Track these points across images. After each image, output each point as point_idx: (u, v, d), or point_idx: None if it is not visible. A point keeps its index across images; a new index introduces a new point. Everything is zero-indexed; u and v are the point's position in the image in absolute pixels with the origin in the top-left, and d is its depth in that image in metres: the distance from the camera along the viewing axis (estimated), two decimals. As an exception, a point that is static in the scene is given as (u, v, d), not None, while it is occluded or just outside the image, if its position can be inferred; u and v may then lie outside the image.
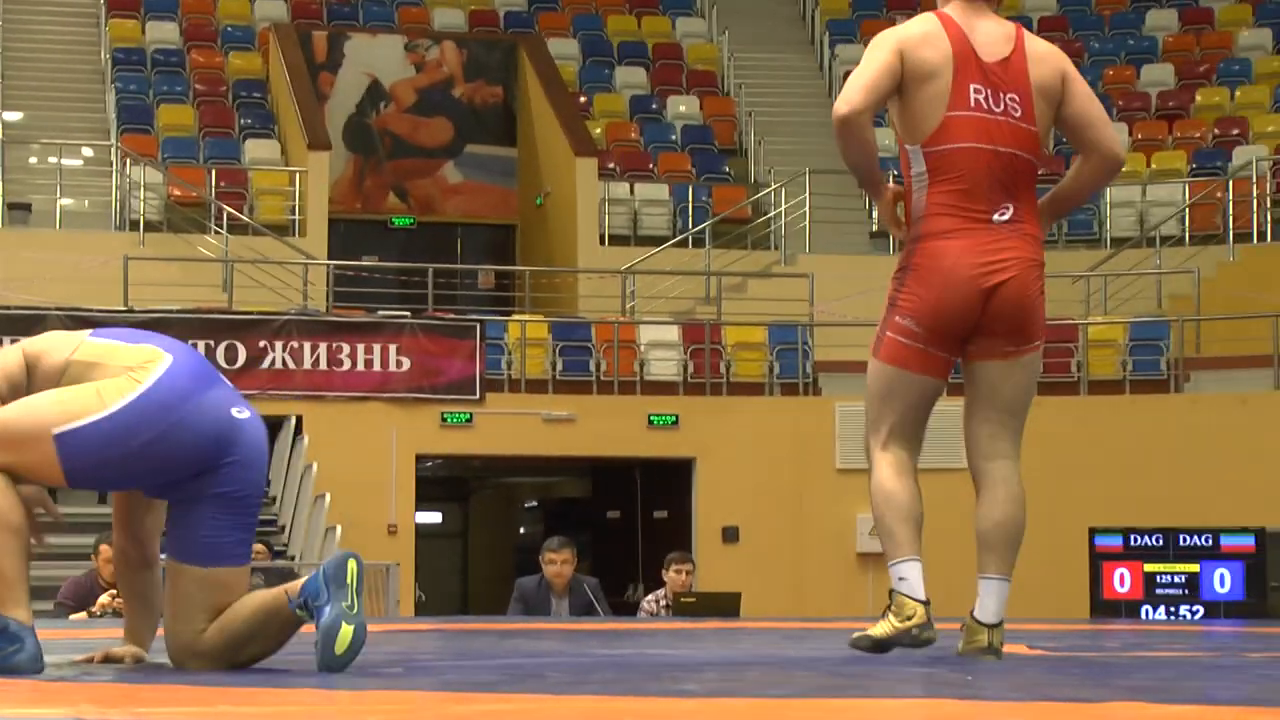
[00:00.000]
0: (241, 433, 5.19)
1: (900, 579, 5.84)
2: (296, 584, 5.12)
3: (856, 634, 5.89)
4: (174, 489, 5.19)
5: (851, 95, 5.78)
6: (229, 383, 5.35)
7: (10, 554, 4.96)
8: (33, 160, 23.41)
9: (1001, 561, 6.03)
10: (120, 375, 5.06)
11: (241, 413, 5.21)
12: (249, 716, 3.79)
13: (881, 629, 5.83)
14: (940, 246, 5.76)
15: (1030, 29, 27.40)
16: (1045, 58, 5.91)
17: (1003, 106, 5.80)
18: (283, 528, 18.48)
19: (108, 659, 5.38)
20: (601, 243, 23.44)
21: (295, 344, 18.79)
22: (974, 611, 5.91)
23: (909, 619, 5.75)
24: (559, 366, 20.01)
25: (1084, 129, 6.00)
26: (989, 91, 5.80)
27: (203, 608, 5.15)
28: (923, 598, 5.82)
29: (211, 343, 18.75)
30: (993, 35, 5.86)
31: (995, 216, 5.79)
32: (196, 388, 5.14)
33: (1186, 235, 22.83)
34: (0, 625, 4.89)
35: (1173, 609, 14.21)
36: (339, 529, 17.82)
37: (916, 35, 5.82)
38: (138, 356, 5.13)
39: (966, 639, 5.85)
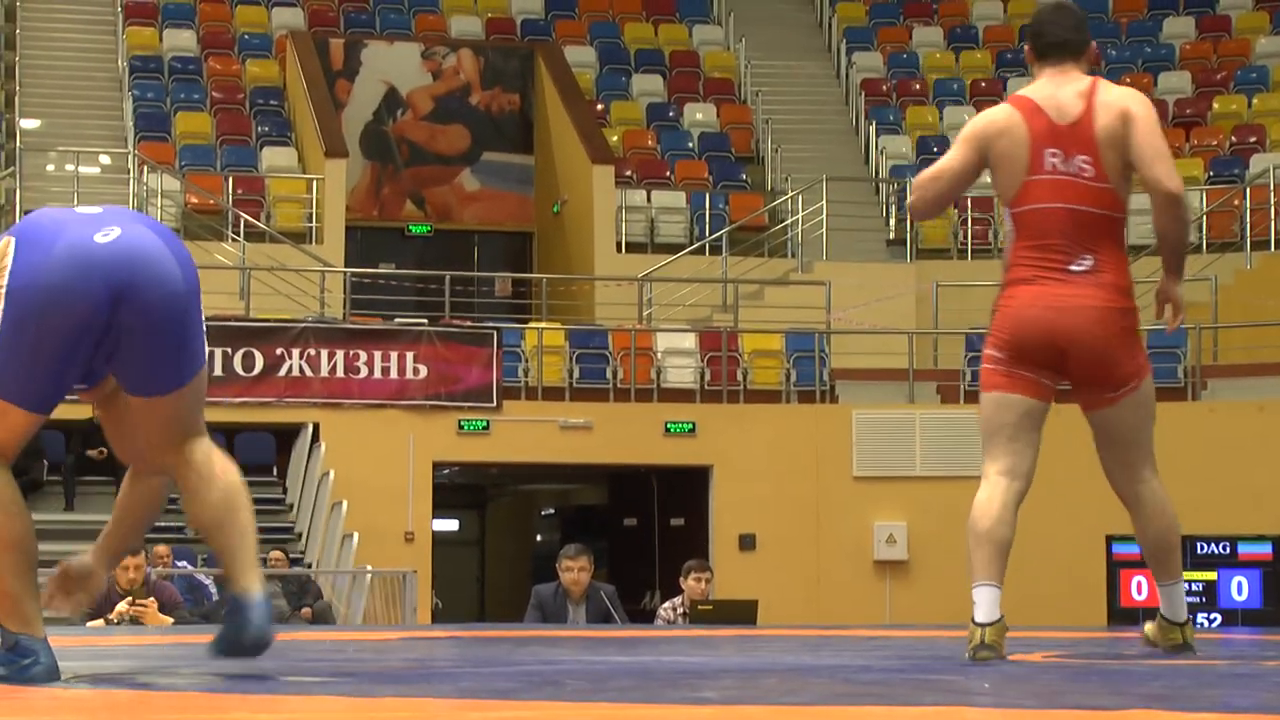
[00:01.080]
0: (114, 261, 4.78)
1: (972, 603, 6.23)
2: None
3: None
4: (98, 352, 4.87)
5: (919, 186, 6.60)
6: (96, 209, 4.95)
7: (11, 572, 4.76)
8: (50, 167, 23.45)
9: (1169, 569, 6.64)
10: None
11: (107, 235, 4.80)
12: (266, 723, 3.79)
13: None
14: (1018, 291, 6.33)
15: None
16: (1111, 105, 6.26)
17: (1075, 168, 6.23)
18: (300, 535, 18.50)
19: (64, 573, 5.23)
20: (618, 250, 23.44)
21: (312, 351, 18.80)
22: (1163, 613, 6.66)
23: (969, 643, 6.11)
24: (576, 374, 20.02)
25: (1141, 169, 6.26)
26: (1063, 154, 6.25)
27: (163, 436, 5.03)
28: (984, 619, 6.16)
29: (228, 350, 18.77)
30: (1067, 98, 6.29)
31: (1072, 267, 6.29)
32: (48, 254, 4.74)
33: (1204, 243, 22.79)
34: (10, 642, 4.77)
35: (1190, 616, 14.19)
36: (356, 536, 17.83)
37: (995, 129, 6.42)
38: None
39: (1163, 637, 6.64)
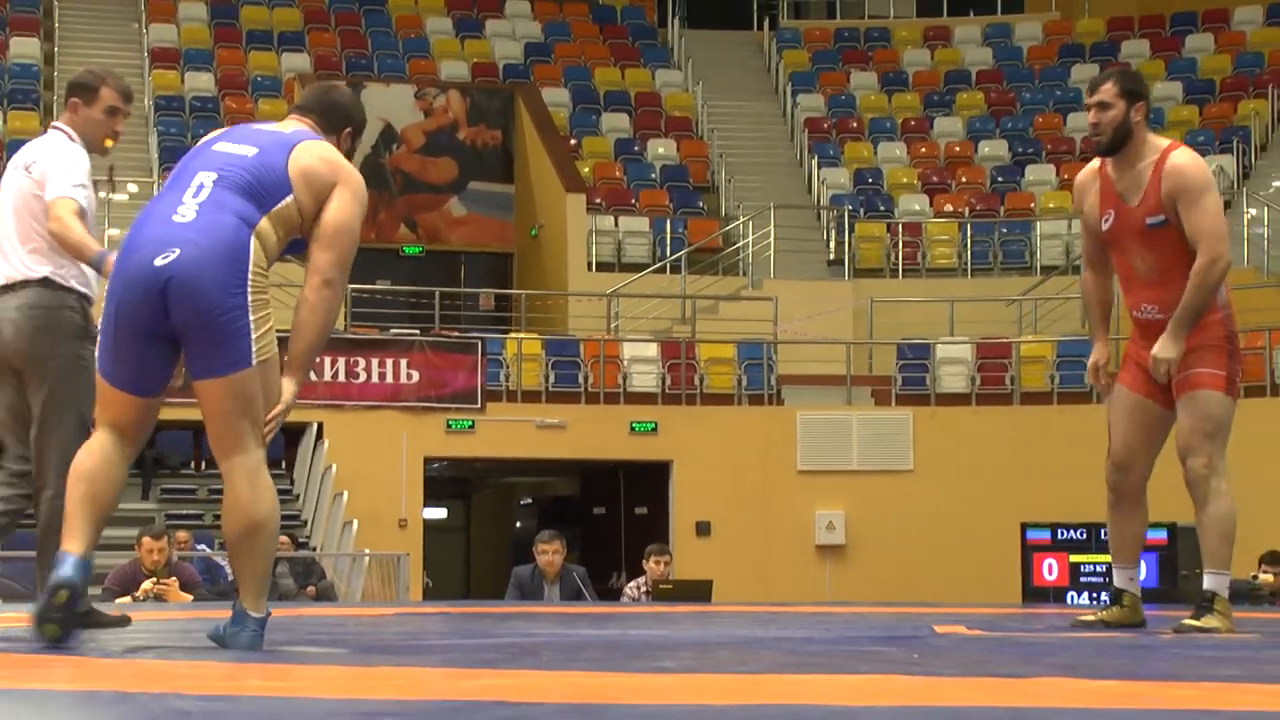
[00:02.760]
0: (165, 282, 4.90)
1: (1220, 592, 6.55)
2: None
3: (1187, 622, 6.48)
4: (172, 347, 5.04)
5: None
6: (169, 223, 4.99)
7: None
8: (84, 195, 23.34)
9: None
10: None
11: (166, 258, 4.92)
12: (274, 690, 3.77)
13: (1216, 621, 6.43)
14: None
15: (969, 82, 27.25)
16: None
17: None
18: (305, 521, 18.45)
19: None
20: (589, 269, 23.43)
21: (316, 358, 18.74)
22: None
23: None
24: (551, 379, 20.00)
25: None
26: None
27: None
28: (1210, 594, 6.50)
29: (242, 357, 18.72)
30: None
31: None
32: (124, 267, 5.00)
33: (1108, 263, 22.80)
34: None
35: (1095, 595, 14.19)
36: (355, 523, 17.79)
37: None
38: None
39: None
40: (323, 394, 18.79)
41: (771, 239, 23.32)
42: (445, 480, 22.69)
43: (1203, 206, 6.41)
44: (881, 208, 25.11)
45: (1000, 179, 25.63)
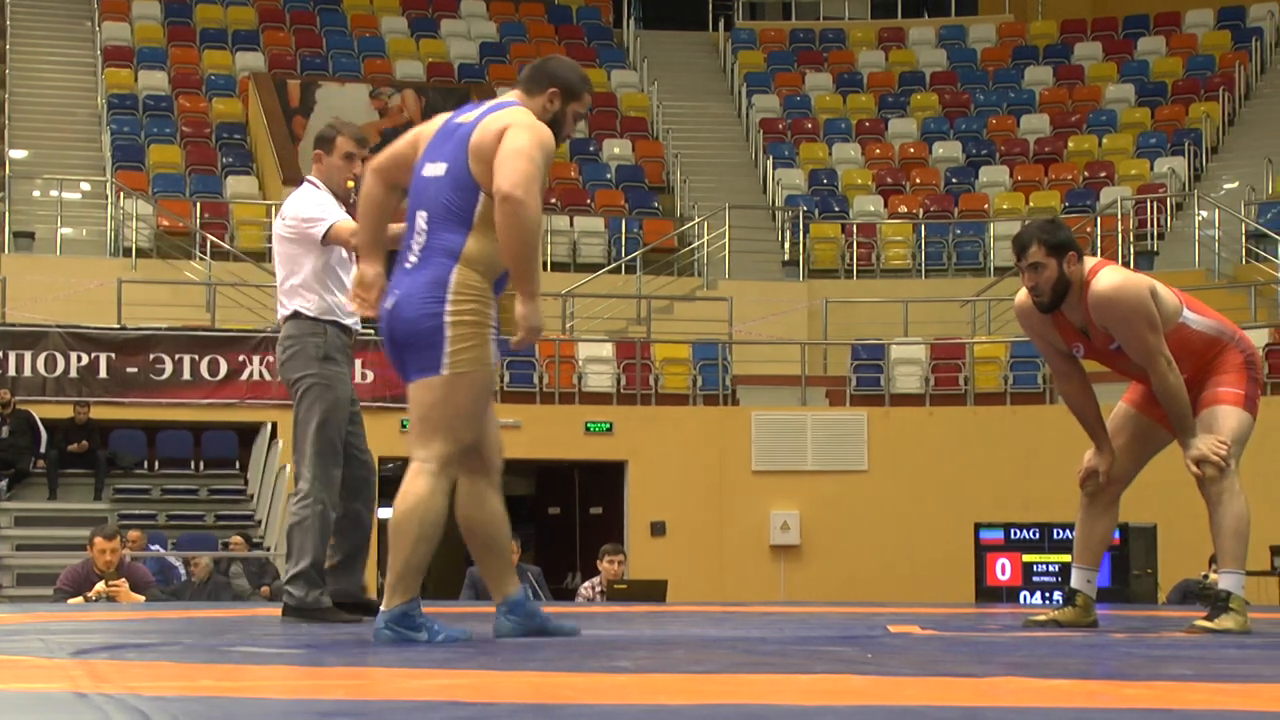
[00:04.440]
0: (387, 315, 5.51)
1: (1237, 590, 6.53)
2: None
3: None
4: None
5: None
6: (401, 270, 5.52)
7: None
8: (36, 193, 23.24)
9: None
10: None
11: (387, 302, 5.51)
12: (227, 690, 3.76)
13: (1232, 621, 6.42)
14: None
15: (923, 84, 27.36)
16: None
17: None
18: (259, 522, 18.36)
19: (359, 282, 5.83)
20: (545, 269, 23.39)
21: (271, 358, 18.68)
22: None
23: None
24: (507, 378, 19.97)
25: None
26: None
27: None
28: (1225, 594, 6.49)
29: (196, 357, 18.66)
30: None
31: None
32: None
33: (1061, 265, 22.89)
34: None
35: (1048, 594, 14.25)
36: (310, 523, 17.70)
37: None
38: None
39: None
40: (277, 394, 18.70)
41: (726, 239, 23.35)
42: (399, 480, 22.61)
43: (1131, 332, 6.51)
44: (836, 208, 25.17)
45: (954, 180, 25.72)
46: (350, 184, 7.33)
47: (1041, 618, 7.00)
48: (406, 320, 5.41)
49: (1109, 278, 6.54)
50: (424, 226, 5.47)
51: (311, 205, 7.32)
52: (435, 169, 5.52)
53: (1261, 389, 6.85)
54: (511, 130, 5.43)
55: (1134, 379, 6.90)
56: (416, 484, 5.41)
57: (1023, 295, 6.75)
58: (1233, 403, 6.62)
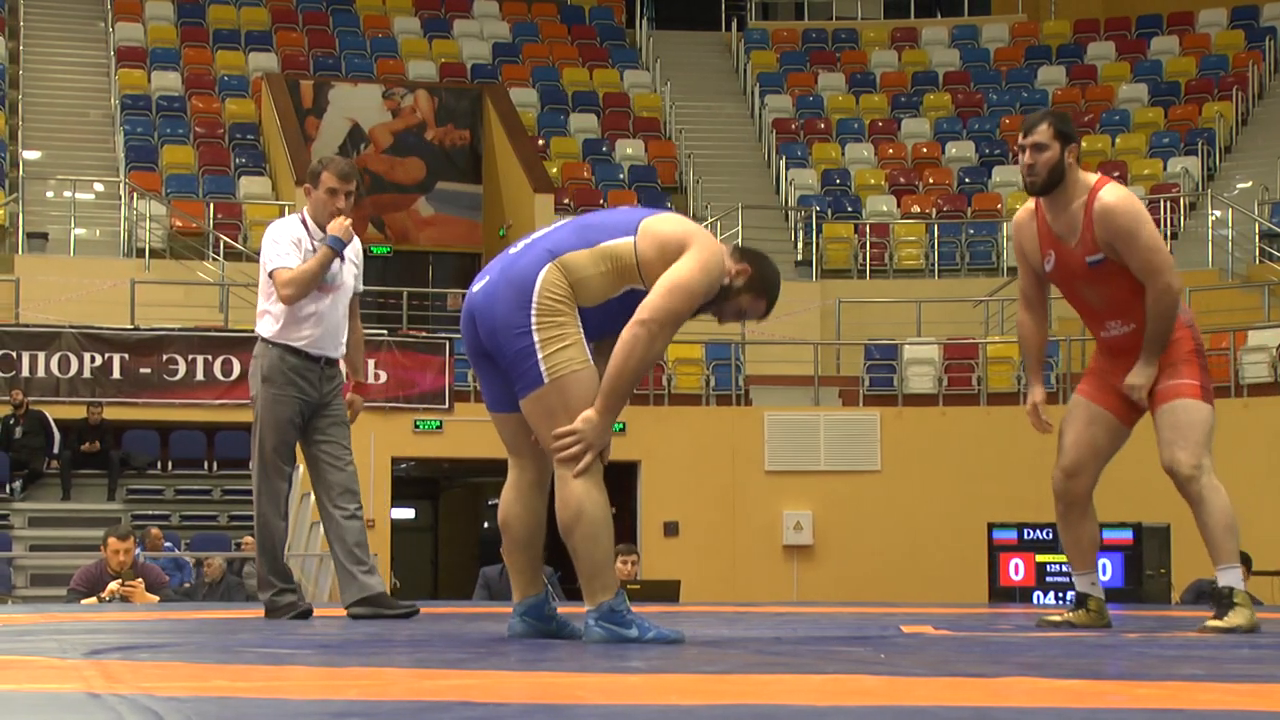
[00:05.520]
0: (470, 305, 5.40)
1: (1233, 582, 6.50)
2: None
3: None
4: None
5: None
6: (505, 255, 5.43)
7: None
8: (50, 194, 23.28)
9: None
10: None
11: (477, 285, 5.40)
12: (241, 691, 3.77)
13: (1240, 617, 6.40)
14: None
15: (936, 84, 27.32)
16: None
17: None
18: (272, 522, 18.36)
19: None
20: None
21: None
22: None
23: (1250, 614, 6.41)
24: (519, 379, 19.95)
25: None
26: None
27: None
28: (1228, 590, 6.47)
29: (209, 357, 18.68)
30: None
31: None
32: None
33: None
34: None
35: (1061, 595, 14.23)
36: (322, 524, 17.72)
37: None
38: None
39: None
40: (290, 394, 18.73)
41: (739, 239, 23.34)
42: (413, 480, 22.67)
43: (1139, 243, 6.46)
44: (849, 208, 25.16)
45: (967, 180, 25.70)
46: (345, 221, 7.62)
47: (1055, 618, 6.99)
48: (489, 332, 5.32)
49: (1116, 190, 6.60)
50: (553, 226, 5.52)
51: (279, 239, 7.73)
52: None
53: (1211, 376, 6.84)
54: (692, 256, 5.34)
55: (1083, 309, 6.79)
56: (568, 489, 5.37)
57: (1022, 211, 6.84)
58: (1191, 395, 6.59)
